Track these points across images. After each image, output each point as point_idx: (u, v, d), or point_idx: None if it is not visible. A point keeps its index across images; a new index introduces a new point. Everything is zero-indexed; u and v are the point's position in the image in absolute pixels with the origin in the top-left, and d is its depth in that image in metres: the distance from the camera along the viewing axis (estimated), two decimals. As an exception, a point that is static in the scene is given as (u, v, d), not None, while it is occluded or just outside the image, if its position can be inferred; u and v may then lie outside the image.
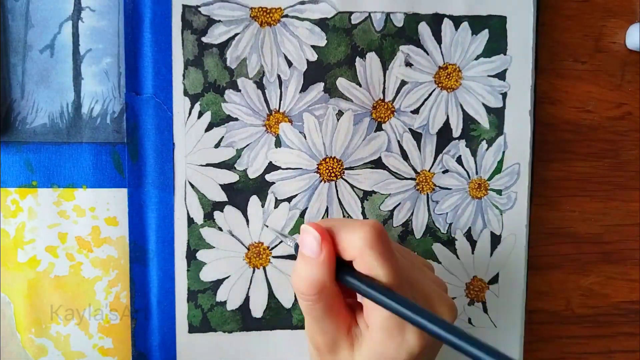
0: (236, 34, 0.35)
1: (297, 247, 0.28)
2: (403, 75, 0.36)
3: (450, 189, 0.37)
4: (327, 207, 0.36)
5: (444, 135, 0.37)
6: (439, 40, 0.36)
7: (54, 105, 0.35)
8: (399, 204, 0.37)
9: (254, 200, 0.36)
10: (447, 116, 0.36)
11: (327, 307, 0.26)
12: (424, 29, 0.36)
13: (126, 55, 0.34)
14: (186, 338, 0.36)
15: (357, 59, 0.36)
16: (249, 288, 0.36)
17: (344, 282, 0.26)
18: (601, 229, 0.39)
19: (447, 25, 0.36)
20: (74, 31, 0.34)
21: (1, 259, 0.35)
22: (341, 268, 0.26)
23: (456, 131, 0.37)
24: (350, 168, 0.36)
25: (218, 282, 0.36)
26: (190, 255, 0.35)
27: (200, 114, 0.35)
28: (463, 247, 0.37)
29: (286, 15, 0.35)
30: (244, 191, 0.36)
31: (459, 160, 0.37)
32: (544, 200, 0.39)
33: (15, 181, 0.35)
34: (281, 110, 0.35)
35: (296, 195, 0.36)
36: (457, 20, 0.36)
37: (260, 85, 0.35)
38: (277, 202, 0.36)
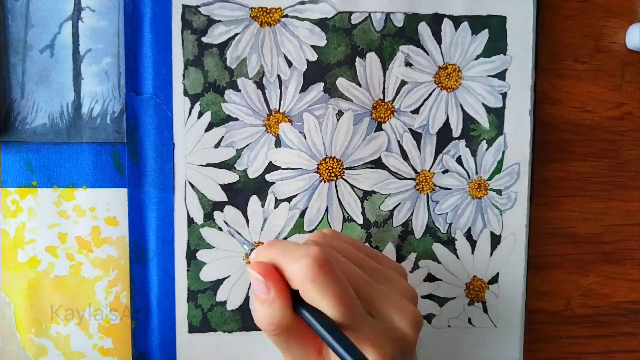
0: (236, 34, 0.35)
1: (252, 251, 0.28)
2: (403, 75, 0.36)
3: (450, 189, 0.37)
4: (327, 207, 0.36)
5: (444, 135, 0.37)
6: (439, 40, 0.36)
7: (54, 105, 0.35)
8: (399, 204, 0.37)
9: (254, 200, 0.36)
10: (447, 116, 0.36)
11: (291, 337, 0.27)
12: (424, 29, 0.36)
13: (126, 55, 0.34)
14: (186, 338, 0.36)
15: (357, 59, 0.36)
16: (248, 288, 0.36)
17: (298, 314, 0.26)
18: (601, 229, 0.39)
19: (447, 25, 0.36)
20: (74, 31, 0.34)
21: (1, 259, 0.35)
22: (297, 298, 0.26)
23: (456, 131, 0.37)
24: (350, 168, 0.36)
25: (218, 282, 0.36)
26: (190, 255, 0.36)
27: (200, 114, 0.35)
28: (463, 247, 0.37)
29: (286, 15, 0.35)
30: (244, 191, 0.36)
31: (459, 160, 0.37)
32: (544, 200, 0.39)
33: (15, 181, 0.35)
34: (281, 110, 0.36)
35: (296, 195, 0.36)
36: (457, 20, 0.36)
37: (260, 85, 0.35)
38: (277, 202, 0.36)
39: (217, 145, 0.35)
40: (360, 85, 0.36)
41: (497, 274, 0.38)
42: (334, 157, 0.36)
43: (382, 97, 0.36)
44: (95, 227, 0.35)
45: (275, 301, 0.26)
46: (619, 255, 0.39)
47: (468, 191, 0.37)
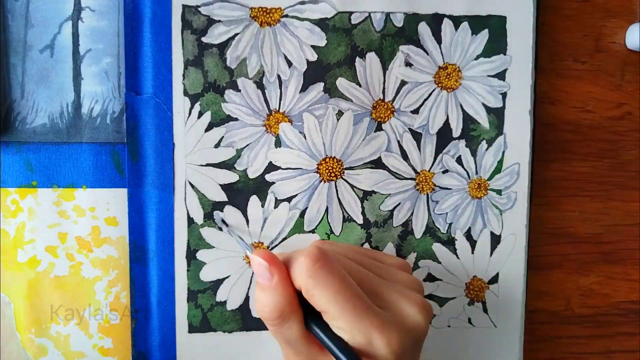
0: (236, 34, 0.35)
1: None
2: (403, 75, 0.36)
3: (450, 189, 0.37)
4: (327, 207, 0.36)
5: (444, 135, 0.37)
6: (438, 40, 0.36)
7: (54, 105, 0.35)
8: (399, 204, 0.37)
9: (254, 200, 0.36)
10: (447, 116, 0.36)
11: (294, 329, 0.27)
12: (423, 29, 0.36)
13: (126, 55, 0.34)
14: (186, 338, 0.36)
15: (357, 59, 0.36)
16: (249, 288, 0.36)
17: (310, 330, 0.27)
18: (601, 229, 0.39)
19: (447, 25, 0.36)
20: (73, 31, 0.34)
21: (1, 259, 0.35)
22: (310, 315, 0.27)
23: (456, 131, 0.37)
24: (350, 168, 0.36)
25: (218, 282, 0.36)
26: (190, 255, 0.36)
27: (200, 114, 0.35)
28: (463, 247, 0.37)
29: (286, 15, 0.35)
30: (244, 191, 0.36)
31: (458, 160, 0.37)
32: (544, 200, 0.39)
33: (15, 181, 0.35)
34: (281, 110, 0.36)
35: (296, 195, 0.36)
36: (457, 20, 0.36)
37: (260, 85, 0.35)
38: (277, 202, 0.36)
39: (217, 145, 0.35)
40: (360, 85, 0.36)
41: (497, 274, 0.38)
42: (334, 157, 0.36)
43: (382, 97, 0.36)
44: (95, 227, 0.35)
45: (278, 287, 0.26)
46: (619, 255, 0.40)
47: (468, 191, 0.37)
